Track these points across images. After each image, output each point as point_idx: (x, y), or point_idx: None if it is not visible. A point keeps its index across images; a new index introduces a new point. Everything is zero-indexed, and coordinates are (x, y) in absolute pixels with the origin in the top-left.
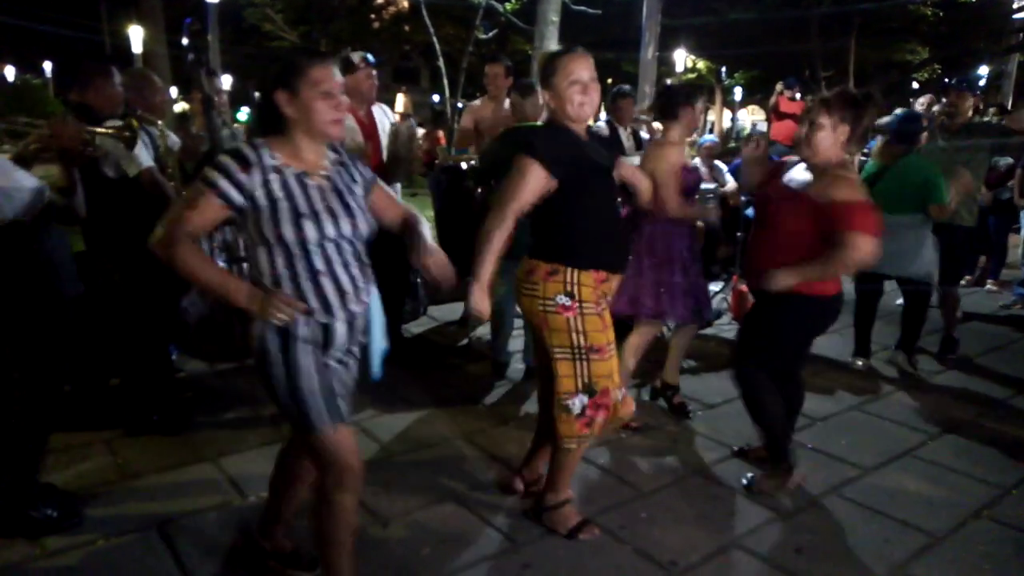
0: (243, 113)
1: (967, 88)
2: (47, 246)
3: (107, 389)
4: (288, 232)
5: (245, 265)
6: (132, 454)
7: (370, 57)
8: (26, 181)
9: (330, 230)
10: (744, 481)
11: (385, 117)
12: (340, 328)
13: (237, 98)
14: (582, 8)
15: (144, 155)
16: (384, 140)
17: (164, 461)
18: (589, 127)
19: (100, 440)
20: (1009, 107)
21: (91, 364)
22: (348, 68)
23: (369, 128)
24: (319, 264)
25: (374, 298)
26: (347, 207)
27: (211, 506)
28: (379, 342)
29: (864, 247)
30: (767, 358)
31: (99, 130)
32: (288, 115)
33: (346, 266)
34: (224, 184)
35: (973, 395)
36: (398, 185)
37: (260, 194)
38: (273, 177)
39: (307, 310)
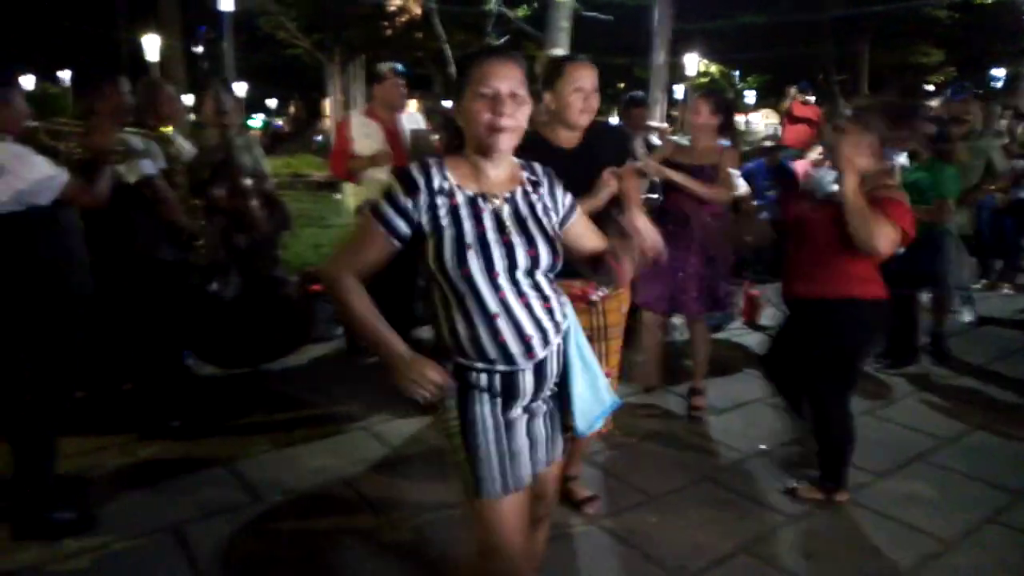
0: (257, 120)
1: (971, 93)
2: (55, 240)
3: (120, 393)
4: (451, 265)
5: (260, 272)
6: (146, 458)
7: (398, 67)
8: (49, 169)
9: (500, 263)
10: (786, 487)
11: (413, 124)
12: (528, 378)
13: (252, 105)
14: (594, 14)
15: (147, 163)
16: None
17: (178, 465)
18: (594, 126)
19: (114, 444)
20: None
21: (104, 369)
22: (377, 78)
23: (396, 135)
24: (493, 304)
25: (573, 343)
26: (528, 234)
27: (224, 509)
28: (580, 396)
29: (892, 236)
30: (836, 371)
31: (131, 131)
32: (462, 128)
33: (528, 307)
34: (389, 213)
35: (987, 400)
36: None
37: (426, 221)
38: (441, 201)
39: (448, 387)
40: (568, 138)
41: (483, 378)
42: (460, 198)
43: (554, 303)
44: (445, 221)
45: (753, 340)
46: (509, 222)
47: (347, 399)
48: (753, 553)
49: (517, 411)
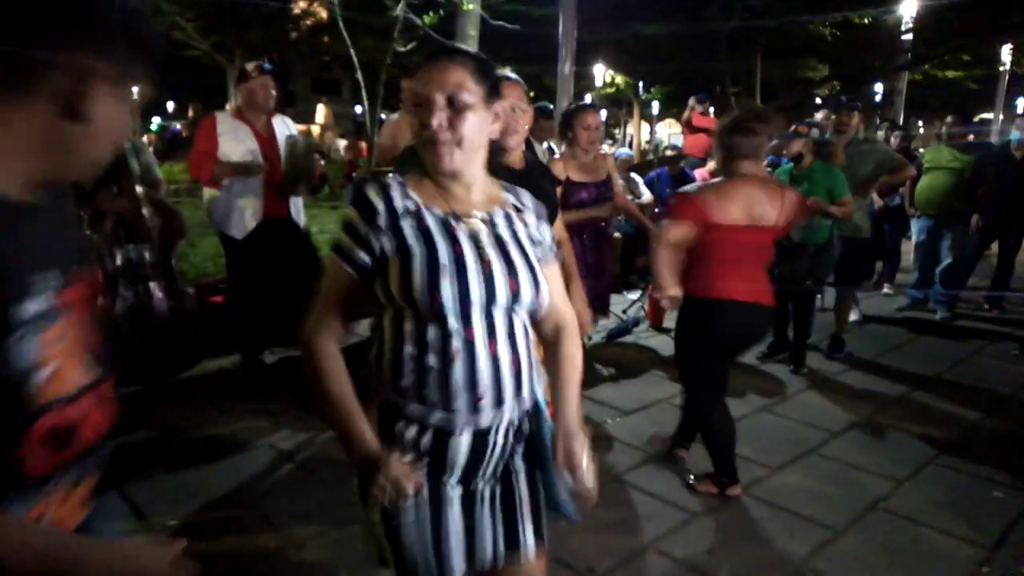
0: (154, 124)
1: (853, 105)
2: None
3: None
4: (421, 292)
5: (152, 284)
6: None
7: (266, 65)
8: None
9: (477, 292)
10: (690, 479)
11: (285, 129)
12: (462, 446)
13: (148, 108)
14: (500, 23)
15: None
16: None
17: None
18: (529, 158)
19: None
20: (900, 122)
21: None
22: (241, 77)
23: (267, 140)
24: (456, 343)
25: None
26: (509, 262)
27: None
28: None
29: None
30: (688, 373)
31: None
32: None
33: (494, 359)
34: (349, 245)
35: (872, 393)
36: (300, 199)
37: (388, 244)
38: (407, 223)
39: (418, 488)
40: (512, 159)
41: (411, 431)
42: (430, 219)
43: (524, 367)
44: (413, 241)
45: (659, 343)
46: (488, 245)
47: (248, 415)
48: (659, 551)
49: (450, 484)
